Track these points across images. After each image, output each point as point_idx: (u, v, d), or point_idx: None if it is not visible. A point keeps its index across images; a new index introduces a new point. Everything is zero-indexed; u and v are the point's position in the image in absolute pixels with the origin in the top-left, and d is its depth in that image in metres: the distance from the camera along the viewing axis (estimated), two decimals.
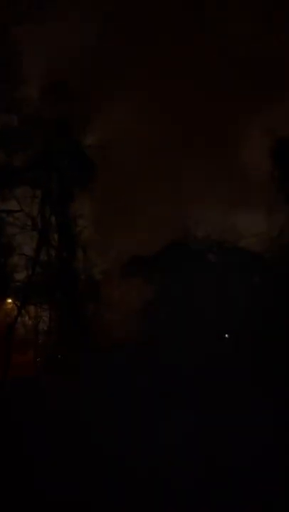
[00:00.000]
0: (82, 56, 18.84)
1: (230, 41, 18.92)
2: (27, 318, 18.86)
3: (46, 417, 13.40)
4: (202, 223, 18.34)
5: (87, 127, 19.14)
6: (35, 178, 19.35)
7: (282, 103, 18.22)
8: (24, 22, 17.83)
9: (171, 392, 14.62)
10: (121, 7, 19.98)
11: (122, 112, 19.62)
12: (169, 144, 19.68)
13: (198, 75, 19.03)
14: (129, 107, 19.61)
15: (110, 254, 18.98)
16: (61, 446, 11.53)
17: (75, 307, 17.58)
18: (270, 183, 18.26)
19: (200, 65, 19.10)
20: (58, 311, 18.27)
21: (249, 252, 17.67)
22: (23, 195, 19.45)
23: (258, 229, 18.30)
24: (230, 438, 11.78)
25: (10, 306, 19.35)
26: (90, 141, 19.42)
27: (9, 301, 19.67)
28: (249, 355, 16.21)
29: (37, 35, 18.30)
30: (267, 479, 9.25)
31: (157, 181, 19.79)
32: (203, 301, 16.00)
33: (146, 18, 19.87)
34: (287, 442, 11.36)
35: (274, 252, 18.11)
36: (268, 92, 18.59)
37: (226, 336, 17.56)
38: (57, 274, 18.61)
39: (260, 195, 18.74)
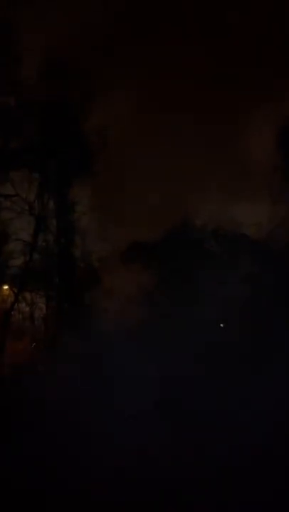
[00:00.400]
0: (82, 34, 18.28)
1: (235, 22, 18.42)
2: (24, 304, 18.68)
3: (42, 404, 13.25)
4: (202, 211, 18.13)
5: (88, 108, 18.66)
6: (32, 162, 19.03)
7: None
8: None
9: (169, 379, 14.51)
10: None
11: (122, 96, 19.14)
12: (170, 130, 19.24)
13: (201, 57, 18.56)
14: (130, 92, 19.13)
15: (109, 242, 18.70)
16: (59, 433, 11.40)
17: (74, 293, 17.36)
18: (273, 172, 18.06)
19: (202, 47, 18.63)
20: (56, 298, 18.04)
21: (249, 241, 17.46)
22: (19, 180, 19.27)
23: (258, 218, 18.16)
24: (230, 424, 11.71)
25: (6, 292, 19.12)
26: (89, 125, 19.07)
27: (5, 287, 19.43)
28: (248, 344, 16.10)
29: (35, 10, 17.84)
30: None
31: (157, 168, 19.43)
32: (202, 289, 15.81)
33: None
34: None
35: (275, 241, 17.95)
36: (275, 76, 18.13)
37: (221, 325, 17.35)
38: (55, 260, 18.37)
39: (262, 183, 18.54)
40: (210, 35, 18.54)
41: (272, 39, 18.19)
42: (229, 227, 17.84)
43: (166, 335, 15.77)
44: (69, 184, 19.20)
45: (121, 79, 19.68)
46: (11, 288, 18.83)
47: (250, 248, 17.13)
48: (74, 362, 14.60)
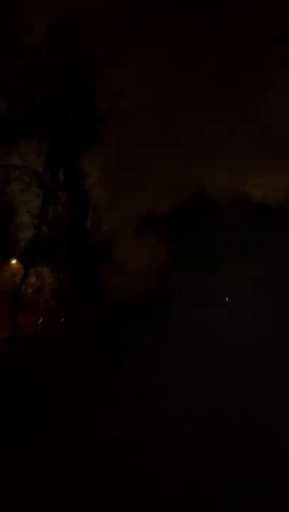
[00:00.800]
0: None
1: None
2: (34, 278, 18.17)
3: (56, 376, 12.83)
4: (218, 180, 17.41)
5: (99, 74, 17.81)
6: (40, 130, 18.28)
7: None
8: None
9: (182, 356, 14.00)
10: None
11: (134, 59, 18.28)
12: (184, 96, 18.46)
13: (221, 17, 17.60)
14: (143, 54, 18.25)
15: (121, 213, 18.09)
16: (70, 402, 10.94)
17: (86, 265, 16.81)
18: None
19: (223, 7, 17.64)
20: (67, 271, 17.51)
21: (267, 208, 16.76)
22: (28, 152, 18.56)
23: (277, 185, 17.42)
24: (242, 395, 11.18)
25: (16, 266, 18.61)
26: (100, 91, 18.25)
27: (14, 261, 18.92)
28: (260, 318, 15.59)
29: None
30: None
31: (170, 136, 18.69)
32: (219, 259, 15.26)
33: None
34: None
35: None
36: None
37: (226, 299, 16.69)
38: (66, 232, 17.77)
39: (281, 151, 17.76)
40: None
41: None
42: (248, 197, 17.15)
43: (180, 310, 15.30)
44: (79, 154, 18.47)
45: (133, 44, 18.85)
46: (20, 262, 18.28)
47: (269, 217, 16.46)
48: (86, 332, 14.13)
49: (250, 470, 7.12)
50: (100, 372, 12.09)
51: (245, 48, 17.44)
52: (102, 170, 18.56)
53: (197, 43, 17.60)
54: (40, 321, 19.23)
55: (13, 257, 18.82)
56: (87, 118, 18.30)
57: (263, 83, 17.70)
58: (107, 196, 18.23)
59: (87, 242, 17.64)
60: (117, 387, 11.02)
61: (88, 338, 14.33)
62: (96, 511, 6.28)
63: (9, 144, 18.31)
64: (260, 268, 15.37)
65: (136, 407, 9.72)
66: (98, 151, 18.56)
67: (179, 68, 18.22)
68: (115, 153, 18.54)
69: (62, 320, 16.76)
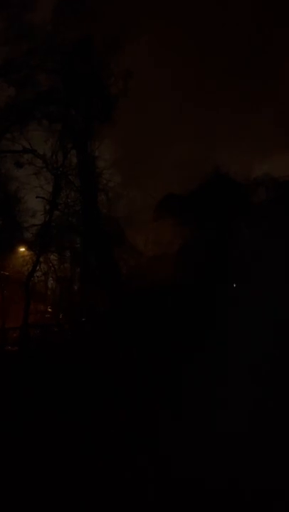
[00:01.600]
0: None
1: None
2: (45, 265, 17.48)
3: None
4: (236, 161, 16.71)
5: (111, 53, 17.14)
6: (50, 113, 17.62)
7: None
8: None
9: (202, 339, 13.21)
10: None
11: (148, 40, 17.60)
12: (199, 75, 17.76)
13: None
14: (157, 35, 17.59)
15: (135, 197, 17.40)
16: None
17: (100, 250, 16.10)
18: None
19: None
20: (81, 257, 16.78)
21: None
22: (37, 136, 17.92)
23: None
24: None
25: (26, 253, 17.92)
26: (111, 71, 17.58)
27: (23, 249, 18.23)
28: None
29: None
30: None
31: (185, 118, 18.01)
32: (242, 244, 14.53)
33: None
34: None
35: None
36: None
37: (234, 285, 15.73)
38: (79, 217, 17.08)
39: None
40: None
41: None
42: (267, 177, 16.43)
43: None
44: (91, 136, 17.77)
45: (145, 25, 18.15)
46: (31, 249, 17.58)
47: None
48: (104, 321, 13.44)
49: None
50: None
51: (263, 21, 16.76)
52: (116, 153, 17.86)
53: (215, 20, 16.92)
54: (50, 309, 18.59)
55: (23, 244, 18.11)
56: (98, 98, 17.66)
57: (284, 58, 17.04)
58: (121, 179, 17.56)
59: (102, 227, 16.92)
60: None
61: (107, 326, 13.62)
62: None
63: (18, 128, 17.76)
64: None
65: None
66: (111, 133, 17.87)
67: (194, 46, 17.55)
68: (129, 136, 17.86)
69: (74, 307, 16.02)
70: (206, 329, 12.49)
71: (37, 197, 17.44)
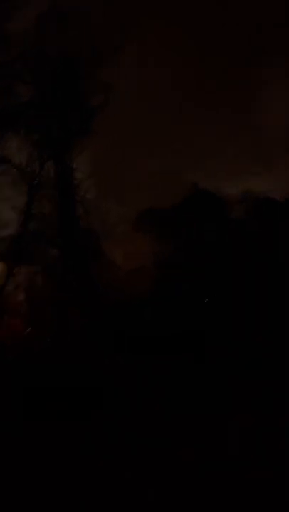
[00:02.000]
0: None
1: None
2: (20, 277, 16.85)
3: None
4: (216, 176, 16.65)
5: (91, 65, 17.01)
6: (28, 123, 17.25)
7: None
8: None
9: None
10: None
11: (128, 52, 17.55)
12: (179, 91, 17.79)
13: (214, 12, 17.16)
14: (137, 48, 17.58)
15: (113, 210, 17.09)
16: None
17: (77, 263, 15.64)
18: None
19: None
20: (56, 269, 16.27)
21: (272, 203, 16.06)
22: (14, 145, 17.51)
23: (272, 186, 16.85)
24: None
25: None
26: (91, 82, 17.41)
27: None
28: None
29: None
30: None
31: (164, 134, 17.96)
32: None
33: None
34: None
35: None
36: None
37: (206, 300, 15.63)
38: (55, 229, 16.62)
39: (279, 150, 17.24)
40: None
41: None
42: (247, 194, 16.42)
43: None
44: (69, 147, 17.46)
45: (126, 37, 18.15)
46: (4, 261, 16.97)
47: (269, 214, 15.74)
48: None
49: None
50: None
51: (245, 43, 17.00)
52: (94, 165, 17.57)
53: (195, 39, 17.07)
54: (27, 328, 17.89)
55: None
56: (77, 110, 17.43)
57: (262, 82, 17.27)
58: (99, 191, 17.24)
59: (79, 239, 16.50)
60: None
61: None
62: None
63: None
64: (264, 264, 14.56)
65: None
66: (90, 145, 17.60)
67: (177, 63, 17.63)
68: (108, 148, 17.61)
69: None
70: (184, 342, 12.34)
71: (12, 207, 17.02)
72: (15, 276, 16.71)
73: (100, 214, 17.20)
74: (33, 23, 17.20)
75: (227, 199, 16.23)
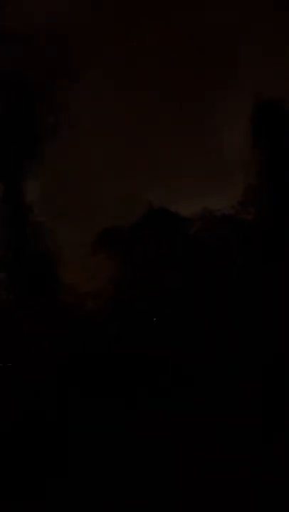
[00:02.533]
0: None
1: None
2: None
3: None
4: (169, 195, 16.45)
5: (45, 86, 16.72)
6: None
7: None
8: None
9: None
10: None
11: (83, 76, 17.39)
12: (133, 113, 17.70)
13: (170, 38, 17.47)
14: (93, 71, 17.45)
15: (67, 231, 16.42)
16: None
17: (31, 286, 14.75)
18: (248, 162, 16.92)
19: (172, 27, 17.58)
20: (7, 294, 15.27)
21: (231, 226, 15.97)
22: None
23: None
24: None
25: None
26: (44, 104, 17.05)
27: None
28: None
29: None
30: None
31: (117, 156, 17.72)
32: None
33: None
34: None
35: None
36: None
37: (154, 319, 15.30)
38: (6, 251, 15.73)
39: (235, 174, 17.34)
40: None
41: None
42: (205, 212, 16.25)
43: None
44: (20, 169, 16.86)
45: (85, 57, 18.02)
46: None
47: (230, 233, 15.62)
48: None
49: None
50: None
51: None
52: (47, 186, 16.97)
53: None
54: None
55: None
56: (28, 132, 16.94)
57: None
58: (53, 213, 16.58)
59: (31, 263, 15.65)
60: None
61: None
62: None
63: None
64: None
65: None
66: (42, 167, 17.06)
67: (132, 85, 17.64)
68: (61, 170, 17.10)
69: None
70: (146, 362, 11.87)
71: None
72: None
73: (53, 237, 16.54)
74: None
75: (183, 216, 16.02)
